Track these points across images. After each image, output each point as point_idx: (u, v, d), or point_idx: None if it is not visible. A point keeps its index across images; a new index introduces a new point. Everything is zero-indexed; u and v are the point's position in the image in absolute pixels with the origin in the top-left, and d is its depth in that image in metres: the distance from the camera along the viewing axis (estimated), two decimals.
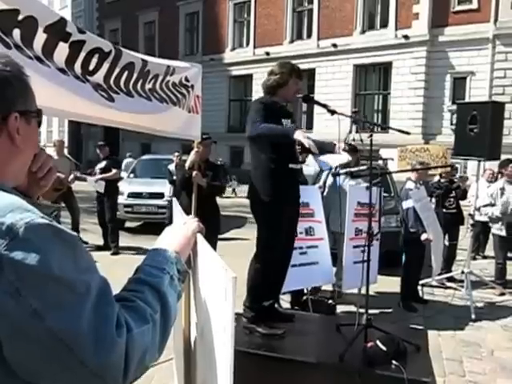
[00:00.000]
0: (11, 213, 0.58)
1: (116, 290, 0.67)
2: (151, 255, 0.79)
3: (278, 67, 2.48)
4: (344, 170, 3.06)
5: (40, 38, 1.53)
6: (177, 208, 1.40)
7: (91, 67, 1.75)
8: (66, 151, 7.37)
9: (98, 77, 1.80)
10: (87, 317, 0.58)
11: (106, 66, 1.81)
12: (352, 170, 2.80)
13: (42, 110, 0.75)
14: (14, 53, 1.41)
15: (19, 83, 0.69)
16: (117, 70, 1.88)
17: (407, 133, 2.32)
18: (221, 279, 0.78)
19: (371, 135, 2.40)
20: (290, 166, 2.40)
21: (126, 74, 1.94)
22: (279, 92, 2.43)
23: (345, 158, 2.56)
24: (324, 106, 2.48)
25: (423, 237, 4.12)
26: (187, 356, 1.14)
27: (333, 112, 2.50)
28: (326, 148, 2.44)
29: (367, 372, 1.89)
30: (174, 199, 1.52)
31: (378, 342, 1.97)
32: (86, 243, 6.30)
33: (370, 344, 2.00)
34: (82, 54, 1.70)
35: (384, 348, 1.93)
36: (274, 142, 2.28)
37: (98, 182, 6.13)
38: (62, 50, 1.61)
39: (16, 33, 1.45)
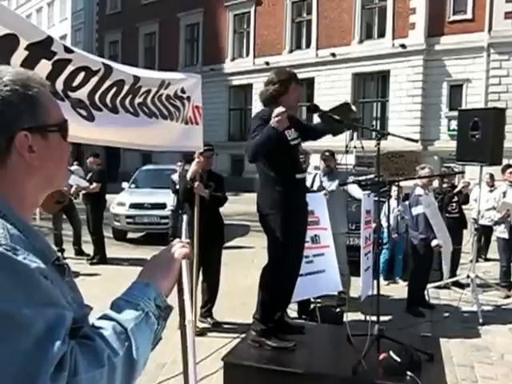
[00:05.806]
0: None
1: None
2: (130, 288, 0.74)
3: (275, 75, 2.44)
4: (352, 180, 3.06)
5: (19, 55, 1.48)
6: (183, 227, 1.24)
7: (75, 83, 1.71)
8: None
9: (81, 93, 1.75)
10: (20, 354, 0.54)
11: (92, 81, 1.77)
12: (360, 179, 2.80)
13: (66, 122, 0.73)
14: None
15: (22, 100, 0.67)
16: (105, 86, 1.83)
17: (415, 140, 2.33)
18: None
19: (378, 143, 2.41)
20: (297, 176, 2.39)
21: (114, 89, 1.89)
22: (281, 100, 2.39)
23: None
24: (330, 116, 2.50)
25: (434, 243, 4.09)
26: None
27: (337, 121, 2.51)
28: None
29: None
30: (185, 217, 1.34)
31: (391, 354, 1.93)
32: (88, 255, 6.26)
33: (383, 355, 1.97)
34: (67, 72, 1.66)
35: (398, 359, 1.90)
36: (271, 148, 2.22)
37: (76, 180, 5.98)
38: (43, 67, 1.57)
39: None
